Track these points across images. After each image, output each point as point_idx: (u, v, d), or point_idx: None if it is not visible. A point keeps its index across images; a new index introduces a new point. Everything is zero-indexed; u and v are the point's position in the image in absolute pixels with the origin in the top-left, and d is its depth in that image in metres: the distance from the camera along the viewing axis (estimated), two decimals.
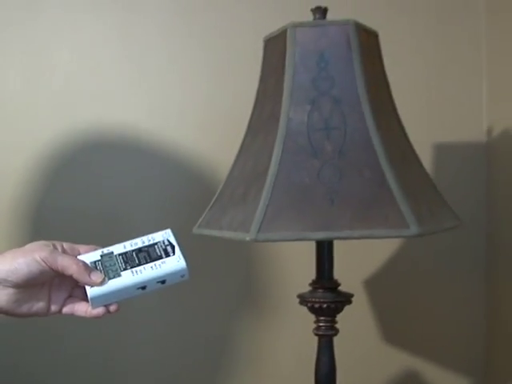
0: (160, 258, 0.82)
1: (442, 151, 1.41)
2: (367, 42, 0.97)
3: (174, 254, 0.83)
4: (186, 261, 0.82)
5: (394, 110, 1.02)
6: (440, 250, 1.42)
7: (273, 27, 1.01)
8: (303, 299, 1.02)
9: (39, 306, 0.81)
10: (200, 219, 1.03)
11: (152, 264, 0.82)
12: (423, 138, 1.39)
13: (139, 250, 0.84)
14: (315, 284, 1.02)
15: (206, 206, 1.04)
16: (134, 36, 1.38)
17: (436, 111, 1.41)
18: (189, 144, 1.39)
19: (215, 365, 1.42)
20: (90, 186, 1.38)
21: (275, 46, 0.98)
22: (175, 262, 0.82)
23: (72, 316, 0.83)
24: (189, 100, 1.39)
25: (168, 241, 0.85)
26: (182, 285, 1.36)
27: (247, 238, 0.86)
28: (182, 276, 0.82)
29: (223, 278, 1.41)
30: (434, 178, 1.38)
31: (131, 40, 1.38)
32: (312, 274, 1.04)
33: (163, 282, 0.82)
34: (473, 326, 1.44)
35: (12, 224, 1.36)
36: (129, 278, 0.81)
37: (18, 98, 1.37)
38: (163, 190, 1.39)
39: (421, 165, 1.02)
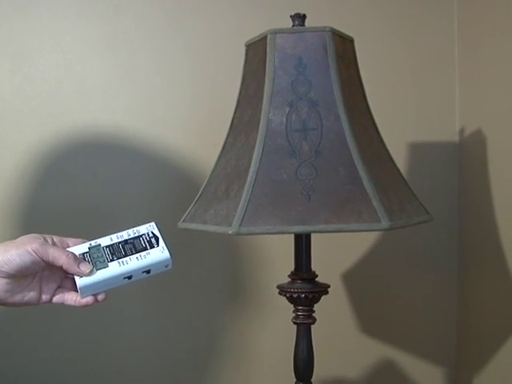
0: (145, 249, 0.87)
1: (417, 150, 1.47)
2: (343, 47, 1.02)
3: (158, 245, 0.88)
4: (170, 251, 0.87)
5: (368, 110, 1.08)
6: (414, 244, 1.48)
7: (255, 32, 1.05)
8: (282, 289, 1.07)
9: (31, 295, 0.85)
10: (185, 214, 1.07)
11: (137, 255, 0.87)
12: (399, 137, 1.45)
13: (125, 242, 0.88)
14: (293, 275, 1.08)
15: (190, 202, 1.09)
16: (120, 40, 1.42)
17: (411, 112, 1.46)
18: (174, 143, 1.43)
19: (199, 353, 1.46)
20: (78, 184, 1.41)
21: (256, 51, 1.04)
22: (159, 253, 0.87)
23: (62, 305, 0.87)
24: (174, 101, 1.43)
25: (152, 233, 0.89)
26: (167, 277, 1.41)
27: (230, 232, 0.91)
28: (166, 266, 0.88)
29: (207, 270, 1.45)
30: (409, 175, 1.43)
31: (117, 44, 1.42)
32: (291, 266, 1.09)
33: (148, 271, 0.87)
34: (445, 316, 1.49)
35: (3, 220, 1.39)
36: (116, 268, 0.86)
37: (6, 99, 1.39)
38: (149, 186, 1.43)
39: (393, 163, 1.08)
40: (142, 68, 1.43)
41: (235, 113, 1.08)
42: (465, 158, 1.44)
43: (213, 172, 1.07)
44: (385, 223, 0.91)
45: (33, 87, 1.40)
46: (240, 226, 0.91)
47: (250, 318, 1.47)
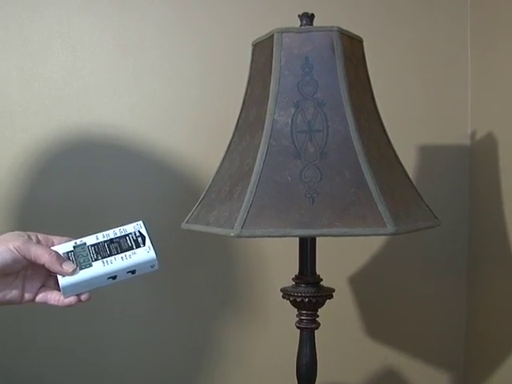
0: (131, 248, 0.86)
1: (427, 153, 1.45)
2: (351, 47, 1.00)
3: (144, 244, 0.86)
4: (156, 251, 0.85)
5: (376, 112, 1.06)
6: (422, 248, 1.46)
7: (263, 31, 1.03)
8: (286, 293, 1.06)
9: (13, 294, 0.84)
10: (188, 215, 1.06)
11: (122, 254, 0.85)
12: (408, 140, 1.43)
13: (111, 241, 0.87)
14: (297, 279, 1.06)
15: (194, 204, 1.07)
16: (128, 38, 1.41)
17: (421, 114, 1.44)
18: (179, 142, 1.42)
19: (200, 355, 1.45)
20: (82, 182, 1.40)
21: (263, 50, 1.02)
22: (145, 253, 0.85)
23: (45, 305, 0.85)
24: (180, 100, 1.42)
25: (139, 232, 0.87)
26: (167, 280, 1.42)
27: (231, 234, 0.90)
28: (152, 266, 0.86)
29: (210, 272, 1.44)
30: (418, 179, 1.41)
31: (126, 42, 1.41)
32: (295, 269, 1.07)
33: (133, 271, 0.85)
34: (454, 322, 1.47)
35: (9, 217, 1.39)
36: (99, 267, 0.84)
37: (14, 97, 1.39)
38: (153, 186, 1.42)
39: (401, 166, 1.06)
40: (150, 66, 1.42)
41: (241, 113, 1.07)
42: (476, 162, 1.42)
43: (217, 172, 1.05)
44: (390, 228, 0.89)
45: (41, 85, 1.40)
46: (242, 228, 0.89)
47: (253, 321, 1.46)
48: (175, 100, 1.42)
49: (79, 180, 1.40)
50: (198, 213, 1.04)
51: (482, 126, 1.39)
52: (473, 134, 1.43)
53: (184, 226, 1.05)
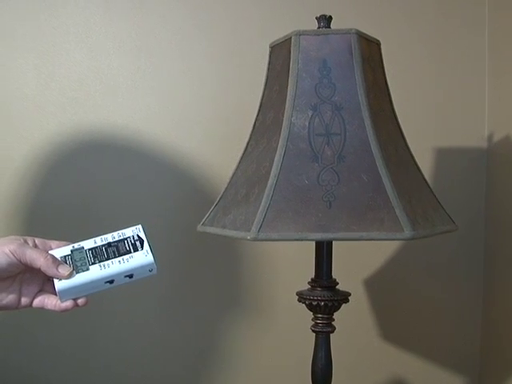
0: (128, 252, 0.85)
1: (444, 156, 1.43)
2: (368, 50, 1.00)
3: (142, 248, 0.85)
4: (154, 255, 0.84)
5: (394, 115, 1.05)
6: (439, 252, 1.44)
7: (280, 33, 1.03)
8: (302, 297, 1.05)
9: (9, 298, 0.83)
10: (204, 218, 1.06)
11: (120, 258, 0.84)
12: (425, 143, 1.42)
13: (109, 245, 0.86)
14: (314, 282, 1.06)
15: (209, 206, 1.07)
16: (145, 38, 1.41)
17: (438, 117, 1.43)
18: (195, 145, 1.42)
19: (214, 361, 1.45)
20: (94, 184, 1.40)
21: (280, 53, 1.02)
22: (143, 257, 0.84)
23: (42, 309, 0.85)
24: (195, 103, 1.42)
25: (138, 236, 0.87)
26: (182, 283, 1.42)
27: (248, 237, 0.89)
28: (150, 270, 0.84)
29: (225, 275, 1.44)
30: (435, 182, 1.40)
31: (142, 42, 1.41)
32: (311, 273, 1.07)
33: (131, 276, 0.84)
34: (469, 327, 1.46)
35: (6, 217, 1.39)
36: (96, 271, 0.83)
37: (30, 96, 1.39)
38: (167, 189, 1.42)
39: (418, 170, 1.05)
40: (166, 67, 1.42)
41: (258, 115, 1.06)
42: (493, 165, 1.41)
43: (234, 175, 1.05)
44: (407, 232, 0.88)
45: (57, 85, 1.40)
46: (259, 231, 0.89)
47: (268, 325, 1.45)
48: (191, 102, 1.42)
49: (94, 181, 1.40)
50: (213, 215, 1.03)
51: (500, 128, 1.38)
52: (490, 137, 1.42)
53: (200, 228, 1.05)
